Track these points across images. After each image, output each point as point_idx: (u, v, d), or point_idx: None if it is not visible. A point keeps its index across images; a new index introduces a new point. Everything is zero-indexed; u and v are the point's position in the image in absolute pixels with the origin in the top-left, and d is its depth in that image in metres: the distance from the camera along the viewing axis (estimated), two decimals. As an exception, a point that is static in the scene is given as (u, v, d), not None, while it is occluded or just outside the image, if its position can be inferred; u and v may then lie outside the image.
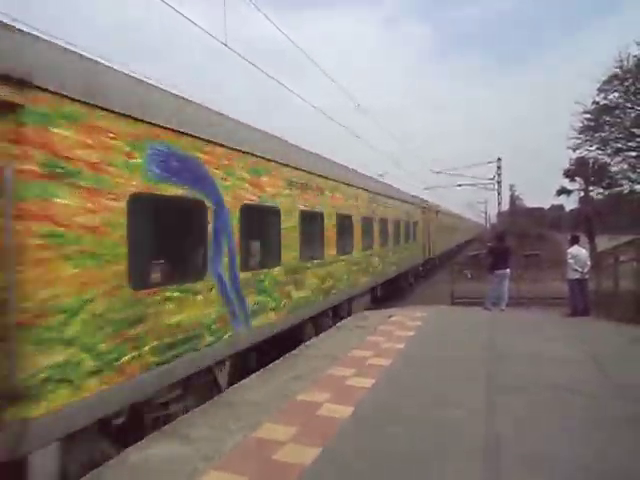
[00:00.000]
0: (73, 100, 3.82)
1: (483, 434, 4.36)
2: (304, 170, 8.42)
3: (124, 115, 4.32)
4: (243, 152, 6.34)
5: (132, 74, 4.85)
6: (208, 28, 7.81)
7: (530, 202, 76.87)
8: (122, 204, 4.25)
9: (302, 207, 8.26)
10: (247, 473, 3.72)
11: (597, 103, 24.59)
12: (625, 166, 26.70)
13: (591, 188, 39.99)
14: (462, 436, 4.33)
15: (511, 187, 56.04)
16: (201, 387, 5.63)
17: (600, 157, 29.24)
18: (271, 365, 6.80)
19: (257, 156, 6.70)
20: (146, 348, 4.47)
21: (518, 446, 4.11)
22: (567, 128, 26.14)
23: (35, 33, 3.86)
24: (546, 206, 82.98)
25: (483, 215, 75.80)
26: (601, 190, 37.36)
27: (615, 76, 23.34)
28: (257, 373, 6.44)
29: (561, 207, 65.91)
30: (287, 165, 7.71)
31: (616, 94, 24.00)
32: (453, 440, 4.25)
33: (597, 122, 24.85)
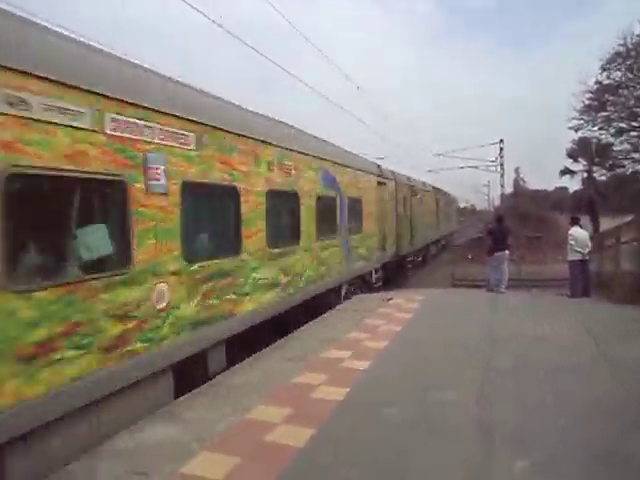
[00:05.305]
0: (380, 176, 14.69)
1: (478, 417, 4.33)
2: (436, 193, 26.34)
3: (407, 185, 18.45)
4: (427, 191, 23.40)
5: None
6: (203, 9, 7.76)
7: (535, 185, 76.52)
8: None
9: (436, 210, 25.98)
10: (240, 454, 3.71)
11: (600, 82, 24.22)
12: (628, 146, 26.41)
13: (594, 169, 39.80)
14: (456, 419, 4.31)
15: (516, 170, 55.78)
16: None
17: (602, 137, 28.96)
18: (267, 347, 6.80)
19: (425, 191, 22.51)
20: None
21: (513, 427, 4.10)
22: (569, 109, 25.76)
23: None
24: (550, 188, 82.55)
25: (486, 198, 75.51)
26: (604, 171, 37.15)
27: (618, 54, 22.95)
28: (252, 356, 6.44)
29: (565, 189, 65.38)
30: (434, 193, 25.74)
31: (619, 72, 23.62)
32: (447, 422, 4.23)
33: (599, 102, 24.51)
